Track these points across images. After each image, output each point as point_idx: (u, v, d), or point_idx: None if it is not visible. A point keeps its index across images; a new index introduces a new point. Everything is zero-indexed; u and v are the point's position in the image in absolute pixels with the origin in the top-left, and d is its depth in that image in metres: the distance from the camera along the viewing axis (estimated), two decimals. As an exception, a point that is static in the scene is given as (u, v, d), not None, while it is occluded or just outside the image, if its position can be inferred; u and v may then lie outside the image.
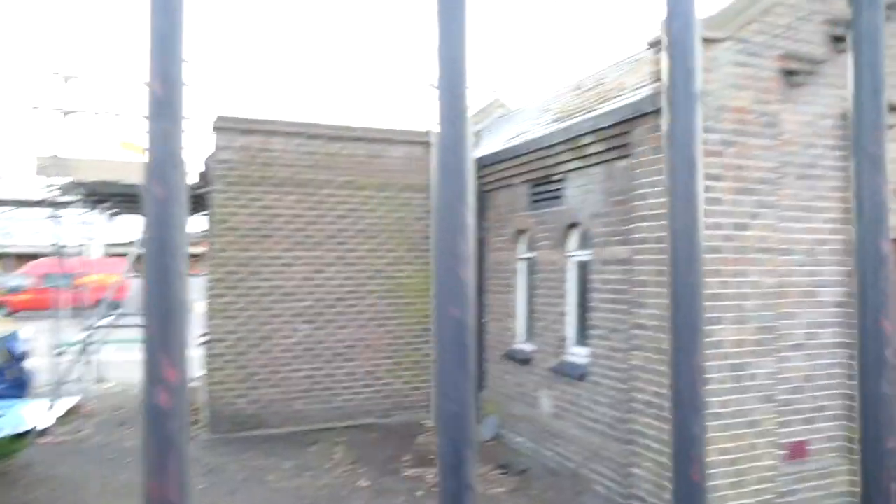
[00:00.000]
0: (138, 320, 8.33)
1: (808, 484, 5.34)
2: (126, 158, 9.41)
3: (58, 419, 8.47)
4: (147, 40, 0.55)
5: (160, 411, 0.54)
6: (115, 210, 11.30)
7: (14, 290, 22.82)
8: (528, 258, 7.96)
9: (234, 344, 8.35)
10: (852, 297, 5.40)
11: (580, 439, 6.55)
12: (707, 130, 4.86)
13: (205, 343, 8.37)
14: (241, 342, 8.38)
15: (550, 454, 7.05)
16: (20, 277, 23.76)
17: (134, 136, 9.81)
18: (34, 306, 19.82)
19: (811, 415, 5.40)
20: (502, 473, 6.77)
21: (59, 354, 9.63)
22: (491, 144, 9.06)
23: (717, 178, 4.90)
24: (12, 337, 8.78)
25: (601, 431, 6.24)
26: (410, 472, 6.90)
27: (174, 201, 0.54)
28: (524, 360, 7.66)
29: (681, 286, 0.50)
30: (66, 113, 9.19)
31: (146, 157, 0.55)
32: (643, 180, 5.43)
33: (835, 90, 5.50)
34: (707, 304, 4.84)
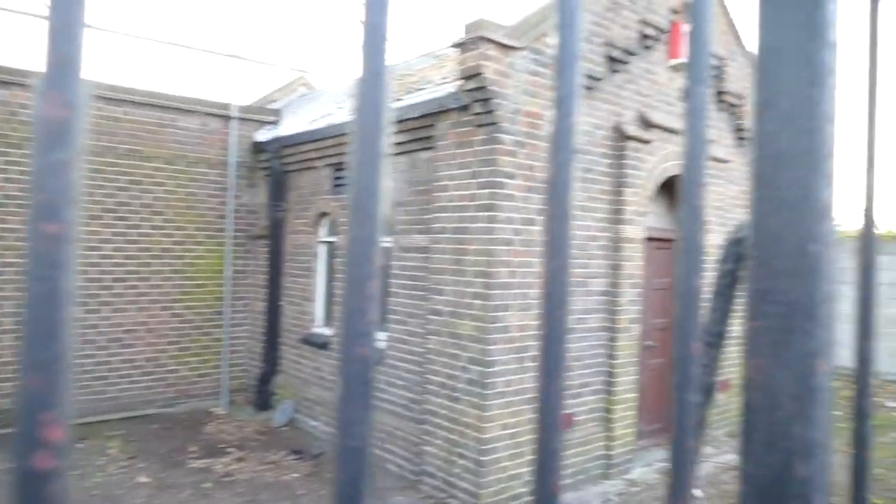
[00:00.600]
0: None
1: (574, 450, 6.05)
2: None
3: None
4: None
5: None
6: None
7: None
8: (330, 242, 7.91)
9: (-19, 330, 7.18)
10: (615, 286, 6.20)
11: (376, 421, 6.70)
12: (504, 132, 5.22)
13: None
14: (-9, 328, 7.23)
15: (346, 437, 7.12)
16: None
17: None
18: None
19: (578, 390, 6.12)
20: (297, 458, 6.69)
21: None
22: (293, 124, 8.80)
23: (510, 176, 5.29)
24: None
25: (396, 413, 6.45)
26: (197, 463, 6.53)
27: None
28: (322, 345, 7.63)
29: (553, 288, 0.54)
30: None
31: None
32: (444, 173, 5.68)
33: (609, 105, 6.22)
34: (498, 291, 5.25)
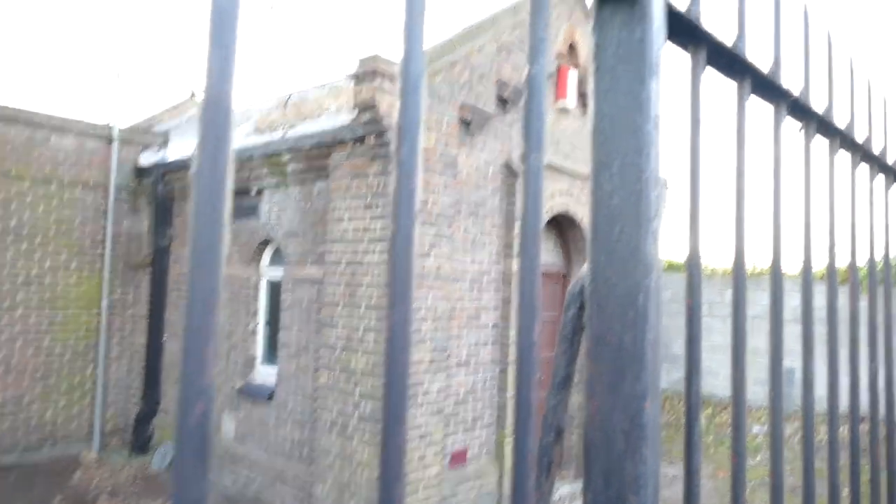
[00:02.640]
0: None
1: (467, 484, 6.07)
2: None
3: None
4: None
5: None
6: None
7: None
8: (219, 273, 7.59)
9: None
10: (506, 319, 6.36)
11: (264, 462, 6.43)
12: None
13: None
14: None
15: (231, 479, 6.77)
16: None
17: None
18: None
19: (471, 423, 6.17)
20: (175, 504, 6.26)
21: None
22: (181, 147, 8.45)
23: (404, 209, 5.33)
24: None
25: (286, 452, 6.22)
26: (61, 515, 5.97)
27: None
28: (207, 381, 7.25)
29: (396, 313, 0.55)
30: None
31: None
32: (339, 203, 5.65)
33: (500, 142, 6.46)
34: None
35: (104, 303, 8.15)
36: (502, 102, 6.37)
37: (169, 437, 7.66)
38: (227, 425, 6.95)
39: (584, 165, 7.56)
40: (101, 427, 8.11)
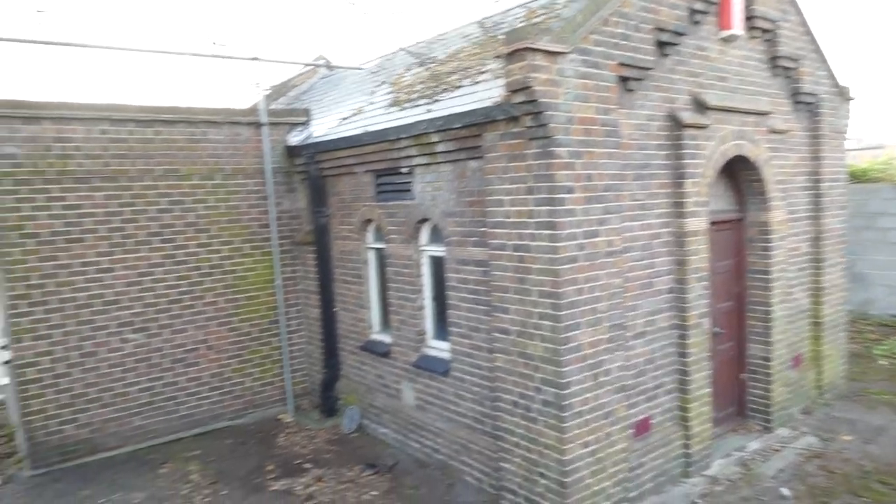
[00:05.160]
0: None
1: (652, 454, 5.98)
2: None
3: None
4: None
5: None
6: None
7: None
8: (378, 248, 7.77)
9: (51, 366, 7.32)
10: (682, 283, 5.96)
11: (447, 432, 6.72)
12: (558, 144, 4.93)
13: (11, 369, 7.24)
14: (60, 363, 7.37)
15: (417, 446, 7.19)
16: None
17: None
18: None
19: (652, 393, 5.99)
20: (373, 473, 6.78)
21: None
22: (324, 123, 8.54)
23: (569, 190, 5.02)
24: None
25: (468, 425, 6.44)
26: (278, 485, 6.66)
27: None
28: (383, 353, 7.61)
29: None
30: None
31: None
32: (498, 187, 5.43)
33: (660, 93, 5.83)
34: (567, 312, 5.08)
35: (277, 281, 8.69)
36: (661, 47, 5.69)
37: (354, 401, 8.23)
38: (407, 394, 7.30)
39: (753, 100, 6.71)
40: (291, 392, 8.89)
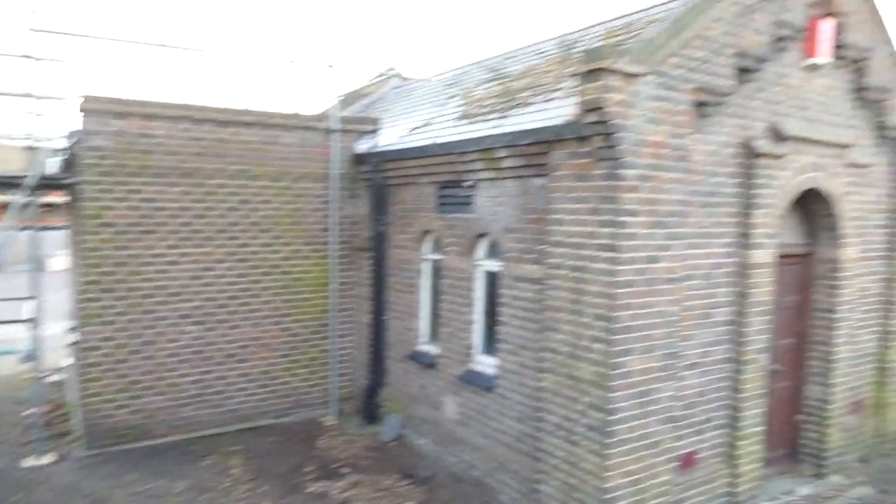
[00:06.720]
0: None
1: (695, 490, 5.76)
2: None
3: None
4: None
5: None
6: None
7: None
8: (434, 260, 7.82)
9: (112, 351, 7.61)
10: (742, 315, 5.77)
11: (486, 448, 6.65)
12: (627, 166, 4.88)
13: (76, 351, 7.57)
14: (121, 349, 7.65)
15: (454, 460, 7.13)
16: None
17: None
18: None
19: (701, 426, 5.79)
20: (409, 483, 6.75)
21: None
22: (392, 133, 8.70)
23: (633, 213, 4.95)
24: None
25: (508, 444, 6.35)
26: (315, 486, 6.71)
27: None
28: (429, 364, 7.61)
29: None
30: None
31: None
32: (560, 206, 5.40)
33: (736, 119, 5.71)
34: (620, 336, 4.98)
35: (332, 284, 8.84)
36: (741, 73, 5.58)
37: (396, 409, 8.24)
38: (449, 407, 7.26)
39: (834, 131, 6.50)
40: (336, 395, 8.97)
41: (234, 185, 8.15)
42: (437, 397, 7.50)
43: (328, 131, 8.69)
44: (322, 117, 8.76)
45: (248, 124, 8.17)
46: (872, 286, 7.43)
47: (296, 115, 8.53)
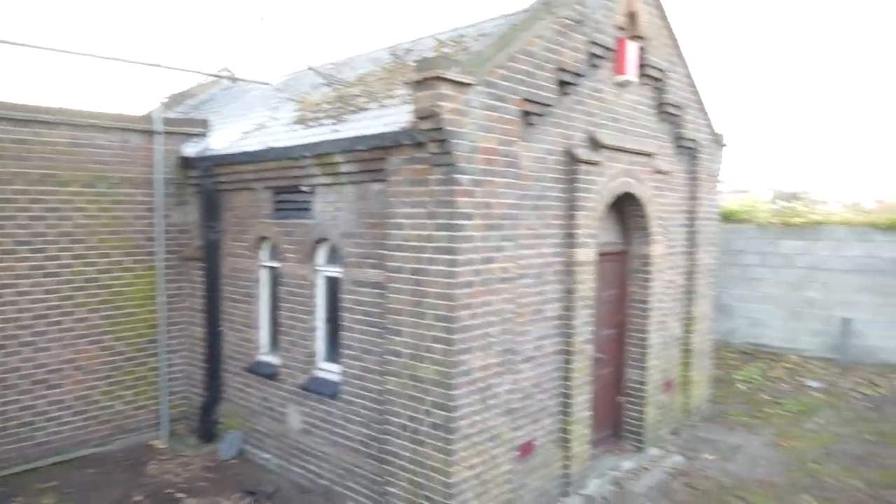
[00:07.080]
0: None
1: (534, 475, 6.14)
2: None
3: None
4: None
5: None
6: None
7: None
8: (272, 267, 7.56)
9: None
10: (569, 310, 6.24)
11: (333, 456, 6.56)
12: (461, 172, 5.07)
13: None
14: None
15: (301, 471, 6.95)
16: None
17: None
18: None
19: (537, 415, 6.18)
20: (252, 501, 6.46)
21: None
22: (224, 136, 8.28)
23: (468, 216, 5.16)
24: None
25: (355, 449, 6.32)
26: (146, 517, 6.20)
27: None
28: (270, 375, 7.34)
29: None
30: None
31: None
32: (399, 210, 5.48)
33: (559, 129, 6.17)
34: (460, 336, 5.15)
35: (160, 297, 8.22)
36: (561, 86, 6.04)
37: (236, 425, 7.85)
38: (293, 417, 7.07)
39: (641, 141, 7.24)
40: (167, 416, 8.35)
41: (38, 192, 7.28)
42: (280, 408, 7.26)
43: (150, 133, 8.06)
44: (143, 118, 8.10)
45: (52, 123, 7.34)
46: (677, 278, 8.43)
47: (110, 115, 7.80)
